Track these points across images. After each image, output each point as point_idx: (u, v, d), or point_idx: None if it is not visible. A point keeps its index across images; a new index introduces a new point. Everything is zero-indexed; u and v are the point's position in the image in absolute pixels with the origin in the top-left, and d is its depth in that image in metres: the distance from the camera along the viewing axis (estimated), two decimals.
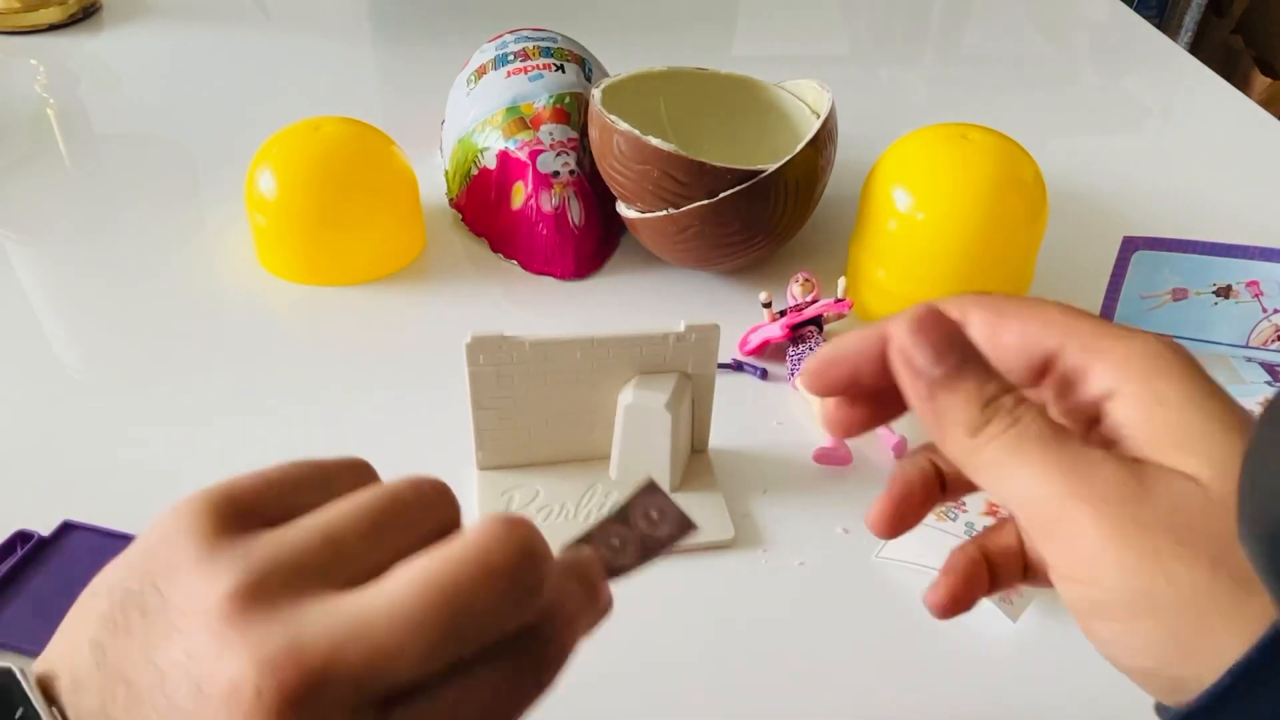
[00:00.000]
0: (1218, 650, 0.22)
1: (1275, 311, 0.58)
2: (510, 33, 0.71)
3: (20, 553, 0.44)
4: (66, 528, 0.45)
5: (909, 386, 0.26)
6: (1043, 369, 0.27)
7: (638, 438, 0.47)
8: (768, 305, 0.57)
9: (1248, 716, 0.22)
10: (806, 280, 0.58)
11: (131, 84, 0.86)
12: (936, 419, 0.26)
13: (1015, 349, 0.27)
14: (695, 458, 0.50)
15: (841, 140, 0.63)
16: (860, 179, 0.60)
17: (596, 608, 0.26)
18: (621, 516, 0.29)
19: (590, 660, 0.41)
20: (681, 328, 0.46)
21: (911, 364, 0.26)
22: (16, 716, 0.23)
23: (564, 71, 0.67)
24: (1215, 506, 0.24)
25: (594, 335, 0.45)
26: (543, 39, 0.70)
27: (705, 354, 0.47)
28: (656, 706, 0.40)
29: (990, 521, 0.46)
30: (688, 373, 0.47)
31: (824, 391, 0.29)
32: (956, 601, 0.30)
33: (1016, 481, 0.25)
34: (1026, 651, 0.43)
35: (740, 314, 0.60)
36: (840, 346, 0.28)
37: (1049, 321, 0.27)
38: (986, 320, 0.27)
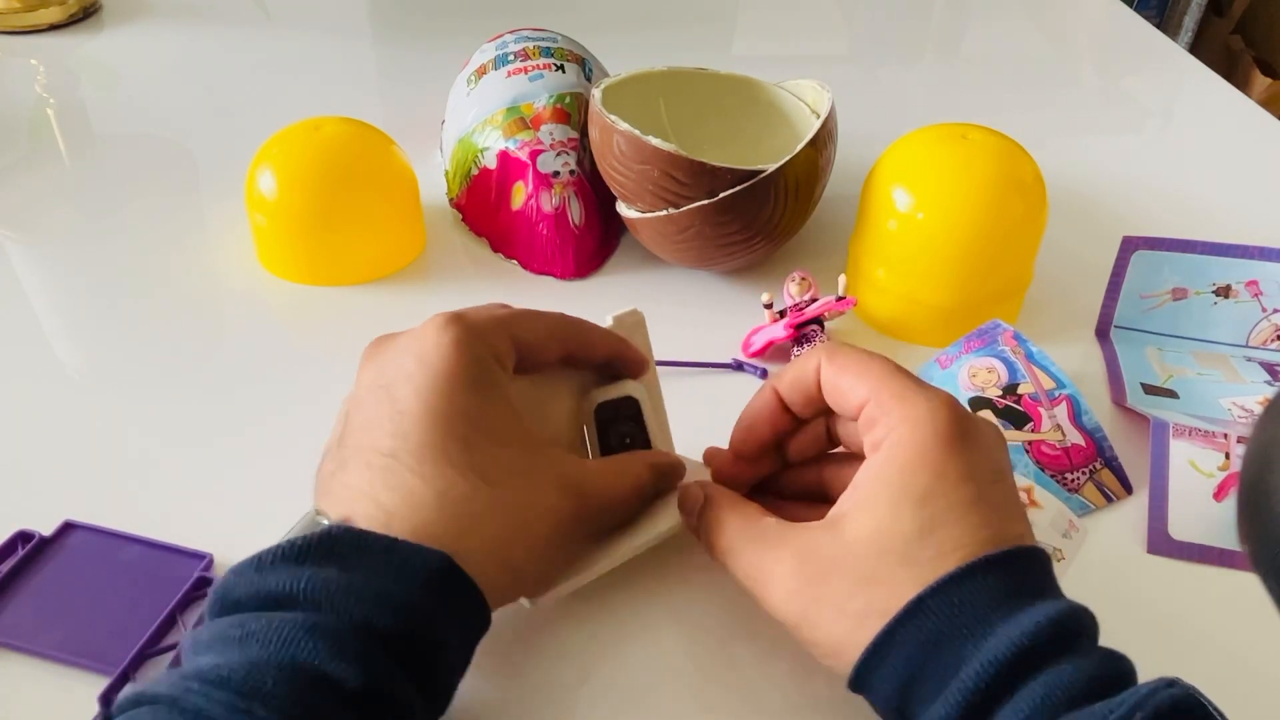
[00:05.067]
0: (849, 658, 0.35)
1: (1275, 311, 0.58)
2: (510, 33, 0.71)
3: (21, 552, 0.44)
4: (67, 527, 0.45)
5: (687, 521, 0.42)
6: (859, 409, 0.38)
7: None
8: (769, 306, 0.57)
9: (880, 680, 0.34)
10: (803, 279, 0.58)
11: (131, 84, 0.86)
12: (701, 534, 0.41)
13: (844, 392, 0.39)
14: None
15: (841, 140, 0.63)
16: (860, 179, 0.60)
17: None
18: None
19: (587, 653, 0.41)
20: (610, 321, 0.44)
21: (681, 510, 0.42)
22: None
23: (564, 71, 0.67)
24: (854, 561, 0.35)
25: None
26: (543, 39, 0.70)
27: (641, 341, 0.44)
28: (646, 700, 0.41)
29: None
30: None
31: (753, 453, 0.43)
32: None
33: (740, 561, 0.39)
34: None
35: (740, 314, 0.60)
36: (750, 413, 0.43)
37: (868, 376, 0.38)
38: (829, 369, 0.39)
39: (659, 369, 0.47)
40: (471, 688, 0.40)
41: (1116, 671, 0.33)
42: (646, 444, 0.44)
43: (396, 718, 0.32)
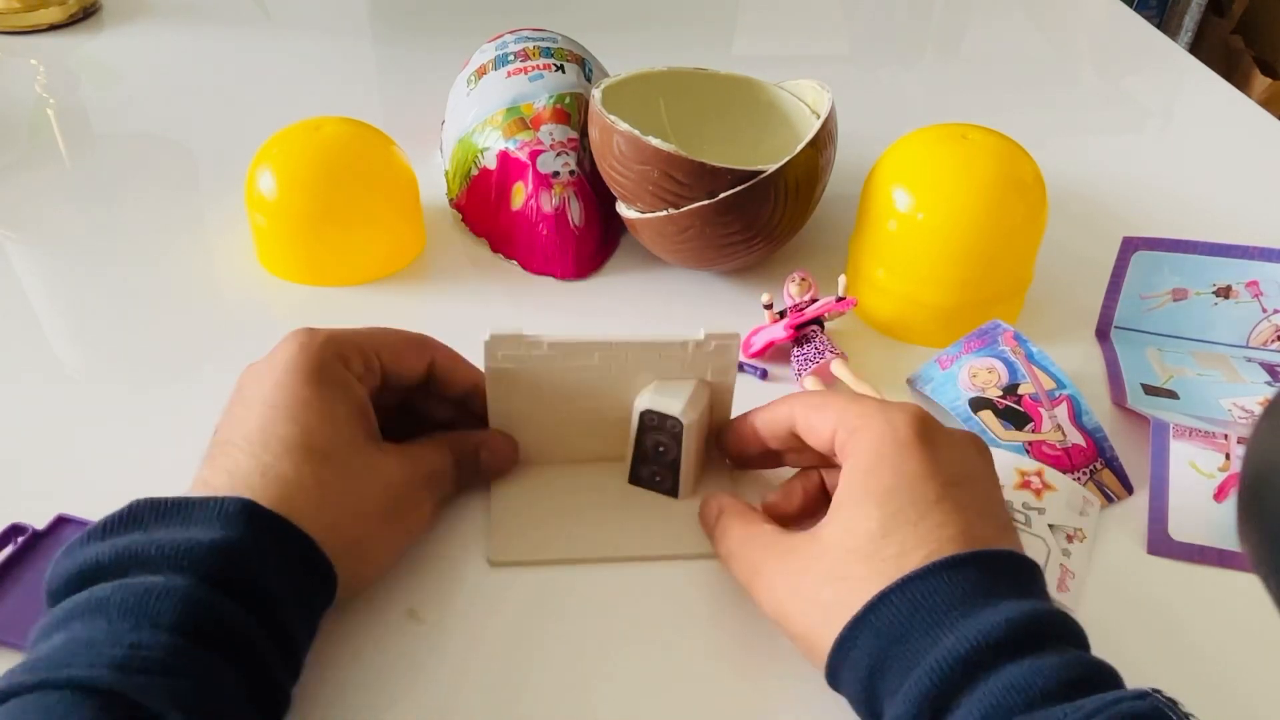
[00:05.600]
0: (822, 652, 0.36)
1: (1275, 311, 0.58)
2: (510, 33, 0.71)
3: (14, 546, 0.44)
4: (60, 522, 0.45)
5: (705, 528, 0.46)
6: (832, 438, 0.41)
7: None
8: (769, 306, 0.57)
9: (847, 674, 0.36)
10: (803, 280, 0.58)
11: (131, 84, 0.86)
12: (713, 540, 0.45)
13: (817, 428, 0.42)
14: (711, 466, 0.50)
15: (841, 140, 0.63)
16: (860, 179, 0.60)
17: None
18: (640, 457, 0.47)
19: (599, 664, 0.41)
20: (702, 335, 0.45)
21: (701, 520, 0.46)
22: None
23: (564, 71, 0.67)
24: (827, 560, 0.38)
25: (613, 339, 0.45)
26: (543, 39, 0.70)
27: (725, 362, 0.46)
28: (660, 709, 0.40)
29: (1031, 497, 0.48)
30: (706, 380, 0.47)
31: (746, 463, 0.48)
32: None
33: (739, 564, 0.42)
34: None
35: (741, 314, 0.60)
36: (728, 425, 0.47)
37: (832, 408, 0.41)
38: (802, 414, 0.43)
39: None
40: (464, 679, 0.40)
41: (1087, 675, 0.32)
42: (676, 460, 0.46)
43: (237, 650, 0.33)
